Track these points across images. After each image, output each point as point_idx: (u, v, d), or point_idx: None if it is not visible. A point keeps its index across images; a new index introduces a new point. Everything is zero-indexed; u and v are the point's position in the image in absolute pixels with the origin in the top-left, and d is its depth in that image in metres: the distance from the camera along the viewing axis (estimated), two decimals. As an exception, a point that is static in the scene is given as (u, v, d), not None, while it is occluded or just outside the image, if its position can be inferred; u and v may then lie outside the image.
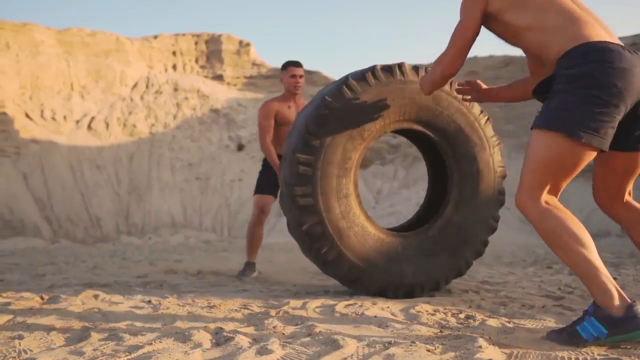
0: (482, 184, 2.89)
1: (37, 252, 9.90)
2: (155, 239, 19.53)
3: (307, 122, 2.65)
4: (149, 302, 2.66)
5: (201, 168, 25.40)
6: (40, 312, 2.33)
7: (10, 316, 2.26)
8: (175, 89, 30.88)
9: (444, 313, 2.36)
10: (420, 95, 2.68)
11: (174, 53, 33.85)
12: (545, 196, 1.80)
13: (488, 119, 2.95)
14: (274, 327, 2.02)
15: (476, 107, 2.89)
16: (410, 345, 1.72)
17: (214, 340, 1.82)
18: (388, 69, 2.68)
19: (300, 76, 3.96)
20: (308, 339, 1.82)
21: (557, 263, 6.07)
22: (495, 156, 2.94)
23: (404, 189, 24.72)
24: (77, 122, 24.61)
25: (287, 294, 3.06)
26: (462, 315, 2.31)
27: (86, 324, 2.08)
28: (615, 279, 3.80)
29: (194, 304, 2.59)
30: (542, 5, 1.89)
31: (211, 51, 34.96)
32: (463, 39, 2.03)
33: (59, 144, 22.57)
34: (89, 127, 24.80)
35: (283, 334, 1.92)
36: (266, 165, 4.16)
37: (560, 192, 1.85)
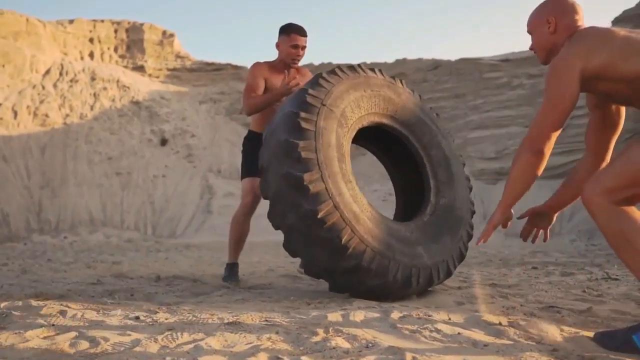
0: (453, 169, 3.04)
1: (-63, 254, 8.59)
2: (72, 237, 17.91)
3: (295, 111, 2.58)
4: (137, 318, 2.06)
5: (122, 162, 23.84)
6: (-3, 339, 1.67)
7: (-45, 346, 1.59)
8: (93, 78, 28.91)
9: (515, 322, 1.96)
10: (383, 88, 2.89)
11: (91, 40, 31.69)
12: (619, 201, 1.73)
13: (437, 114, 3.24)
14: (345, 352, 1.52)
15: (424, 103, 3.18)
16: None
17: (285, 379, 1.30)
18: (350, 67, 2.87)
19: (303, 47, 3.35)
20: (412, 371, 1.35)
21: (530, 263, 5.96)
22: (453, 144, 3.17)
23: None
24: (-20, 109, 22.27)
25: (298, 303, 2.55)
26: (544, 326, 1.91)
27: (82, 357, 1.48)
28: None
29: (200, 320, 2.02)
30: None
31: (132, 40, 33.11)
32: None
33: (-41, 132, 20.30)
34: (-6, 115, 22.53)
35: (367, 364, 1.43)
36: (250, 145, 3.44)
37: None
